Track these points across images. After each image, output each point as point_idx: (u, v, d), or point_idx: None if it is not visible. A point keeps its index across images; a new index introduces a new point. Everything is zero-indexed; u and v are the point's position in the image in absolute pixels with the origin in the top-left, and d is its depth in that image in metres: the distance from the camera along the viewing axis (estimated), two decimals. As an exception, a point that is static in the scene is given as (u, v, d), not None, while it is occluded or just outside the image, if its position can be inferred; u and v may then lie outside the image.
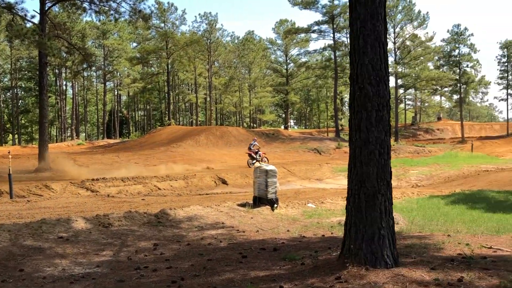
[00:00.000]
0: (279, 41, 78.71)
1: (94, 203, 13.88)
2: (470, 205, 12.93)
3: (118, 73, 74.53)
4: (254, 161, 28.48)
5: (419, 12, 60.26)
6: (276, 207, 11.65)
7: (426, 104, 78.15)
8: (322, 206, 12.70)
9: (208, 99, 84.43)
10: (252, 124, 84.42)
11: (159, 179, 22.39)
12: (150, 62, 69.63)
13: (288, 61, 79.07)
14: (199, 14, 70.81)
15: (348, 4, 7.28)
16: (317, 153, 43.97)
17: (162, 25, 63.25)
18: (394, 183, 24.40)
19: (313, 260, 6.47)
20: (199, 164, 32.22)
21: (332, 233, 8.97)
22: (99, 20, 60.42)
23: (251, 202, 11.85)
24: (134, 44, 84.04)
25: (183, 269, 6.26)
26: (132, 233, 8.67)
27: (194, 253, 7.26)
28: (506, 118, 74.88)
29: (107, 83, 72.41)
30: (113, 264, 6.66)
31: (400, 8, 60.17)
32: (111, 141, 59.23)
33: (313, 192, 17.92)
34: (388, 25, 60.72)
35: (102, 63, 66.69)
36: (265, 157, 30.41)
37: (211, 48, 66.59)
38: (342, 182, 25.73)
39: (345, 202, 11.69)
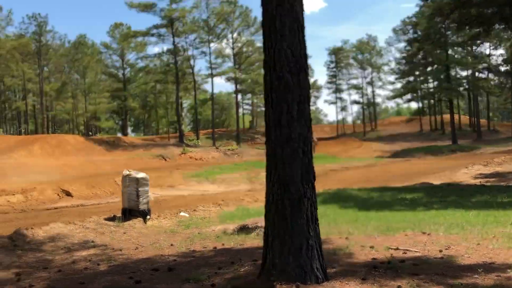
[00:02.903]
0: (114, 45, 75.59)
1: None
2: (341, 204, 12.89)
3: None
4: None
5: (255, 18, 61.89)
6: (149, 218, 10.42)
7: (263, 108, 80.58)
8: (195, 214, 11.75)
9: (38, 106, 78.38)
10: (87, 131, 79.85)
11: (-7, 195, 19.63)
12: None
13: (124, 65, 76.28)
14: (27, 15, 65.05)
15: None
16: (162, 159, 42.71)
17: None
18: (249, 186, 24.32)
19: (226, 280, 5.48)
20: (35, 177, 29.25)
21: (223, 244, 8.04)
22: None
23: (120, 215, 10.45)
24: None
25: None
26: (-17, 262, 6.90)
27: (72, 282, 5.84)
28: (335, 120, 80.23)
29: None
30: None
31: (237, 14, 61.20)
32: None
33: (174, 200, 16.83)
34: (226, 31, 62.19)
35: None
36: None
37: (41, 52, 61.51)
38: (195, 188, 24.98)
39: (217, 208, 10.57)
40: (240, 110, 75.64)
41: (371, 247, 7.09)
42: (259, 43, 65.35)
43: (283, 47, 5.14)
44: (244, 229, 8.97)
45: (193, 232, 9.54)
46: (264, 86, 5.37)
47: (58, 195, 21.79)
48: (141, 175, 10.49)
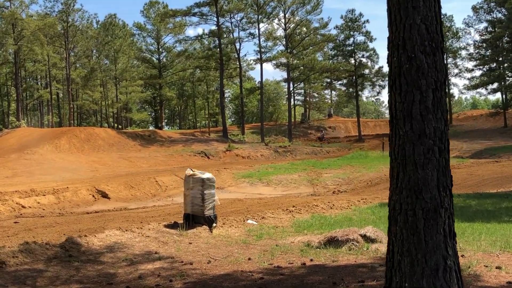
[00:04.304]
0: (149, 26, 76.44)
1: (-49, 233, 11.56)
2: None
3: None
4: None
5: (312, -6, 61.30)
6: (215, 226, 10.24)
7: (317, 99, 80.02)
8: (264, 222, 11.53)
9: (62, 95, 79.85)
10: (116, 124, 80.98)
11: (21, 195, 20.07)
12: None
13: (160, 49, 77.03)
14: (53, -9, 66.35)
15: None
16: (205, 157, 42.85)
17: (8, 4, 58.36)
18: (310, 189, 24.07)
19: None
20: (64, 175, 29.80)
21: (312, 260, 7.75)
22: None
23: (181, 221, 10.31)
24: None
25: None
26: (40, 274, 6.85)
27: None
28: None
29: None
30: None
31: (291, -11, 60.88)
32: None
33: (231, 204, 16.66)
34: (278, 9, 61.89)
35: None
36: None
37: (68, 34, 62.67)
38: (247, 190, 24.88)
39: (289, 215, 10.24)
40: (291, 101, 75.31)
41: (498, 267, 6.70)
42: (315, 23, 64.94)
43: (416, 22, 4.78)
44: (332, 242, 8.66)
45: (269, 243, 9.29)
46: (389, 70, 5.02)
47: (93, 196, 22.07)
48: (207, 175, 10.29)
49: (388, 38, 5.02)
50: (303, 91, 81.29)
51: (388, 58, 5.02)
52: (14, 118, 62.03)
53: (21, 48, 59.92)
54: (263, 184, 26.07)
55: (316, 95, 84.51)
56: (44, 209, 18.65)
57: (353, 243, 8.51)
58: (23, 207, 18.91)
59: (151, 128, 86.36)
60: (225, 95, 78.50)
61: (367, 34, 64.41)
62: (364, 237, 8.78)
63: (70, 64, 66.19)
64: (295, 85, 70.88)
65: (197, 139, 54.75)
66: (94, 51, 76.42)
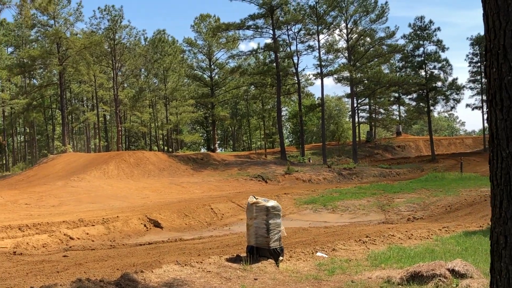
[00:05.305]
0: (199, 42, 77.48)
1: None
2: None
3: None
4: None
5: (376, 1, 60.85)
6: (281, 260, 10.03)
7: (383, 115, 79.10)
8: (335, 254, 11.23)
9: (109, 117, 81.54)
10: (167, 147, 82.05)
11: (69, 225, 20.27)
12: (36, 71, 66.22)
13: (212, 66, 77.88)
14: (99, 8, 68.25)
15: None
16: (262, 181, 42.75)
17: (52, 22, 60.26)
18: (380, 216, 23.59)
19: None
20: (112, 202, 30.23)
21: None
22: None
23: (244, 254, 10.15)
24: (10, 50, 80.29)
25: None
26: (94, 318, 6.78)
27: None
28: (482, 129, 77.30)
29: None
30: None
31: (353, -4, 60.71)
32: (-15, 176, 55.32)
33: (295, 234, 16.44)
34: (339, 19, 61.72)
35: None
36: None
37: (116, 52, 64.15)
38: (311, 218, 24.56)
39: (362, 246, 10.00)
40: (355, 118, 74.76)
41: None
42: (380, 33, 64.42)
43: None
44: (416, 278, 8.32)
45: (343, 279, 9.02)
46: (487, 82, 4.76)
47: (145, 225, 22.19)
48: (271, 203, 10.11)
49: (485, 46, 4.78)
50: (368, 107, 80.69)
51: (485, 69, 4.78)
52: (59, 143, 63.71)
53: (66, 69, 61.61)
54: (328, 210, 25.69)
55: (382, 111, 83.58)
56: (93, 241, 18.84)
57: (440, 279, 8.16)
58: (71, 238, 19.12)
59: (203, 150, 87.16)
60: (282, 113, 78.60)
61: (439, 43, 63.28)
62: (452, 271, 8.41)
63: (118, 84, 67.54)
64: (359, 100, 70.40)
65: (253, 161, 54.83)
66: (143, 69, 77.95)
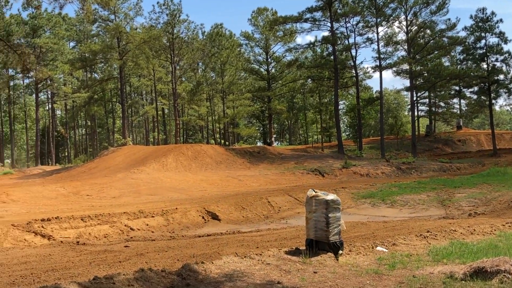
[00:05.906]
0: (256, 35, 77.57)
1: (63, 256, 12.19)
2: None
3: (50, 81, 71.26)
4: None
5: (437, -8, 59.73)
6: (341, 254, 9.97)
7: (444, 109, 77.69)
8: (396, 249, 11.10)
9: (168, 111, 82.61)
10: (223, 141, 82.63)
11: (130, 216, 20.63)
12: (97, 65, 67.60)
13: (269, 60, 77.89)
14: (158, 2, 69.02)
15: None
16: (319, 175, 42.55)
17: (112, 17, 61.41)
18: (441, 211, 23.19)
19: None
20: (171, 195, 30.62)
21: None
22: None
23: (303, 247, 10.14)
24: (72, 44, 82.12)
25: None
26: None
27: None
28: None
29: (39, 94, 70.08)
30: None
31: (412, -12, 59.68)
32: (48, 168, 56.89)
33: (353, 228, 16.32)
34: (399, 11, 60.80)
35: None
36: None
37: (174, 46, 64.84)
38: (369, 212, 24.33)
39: (423, 241, 9.86)
40: (415, 112, 73.60)
41: None
42: (441, 25, 63.26)
43: None
44: (479, 273, 8.16)
45: (404, 274, 8.92)
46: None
47: (203, 217, 22.37)
48: (330, 196, 10.06)
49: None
50: (427, 100, 79.34)
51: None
52: (119, 136, 64.90)
53: (126, 63, 62.72)
54: (387, 205, 25.36)
55: (442, 104, 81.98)
56: (153, 232, 19.13)
57: (504, 275, 7.98)
58: (132, 229, 19.45)
59: (259, 144, 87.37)
60: (339, 107, 78.03)
61: (501, 35, 61.62)
62: (517, 268, 8.21)
63: (176, 78, 68.31)
64: (419, 94, 69.31)
65: (310, 155, 54.63)
66: (200, 63, 78.67)
